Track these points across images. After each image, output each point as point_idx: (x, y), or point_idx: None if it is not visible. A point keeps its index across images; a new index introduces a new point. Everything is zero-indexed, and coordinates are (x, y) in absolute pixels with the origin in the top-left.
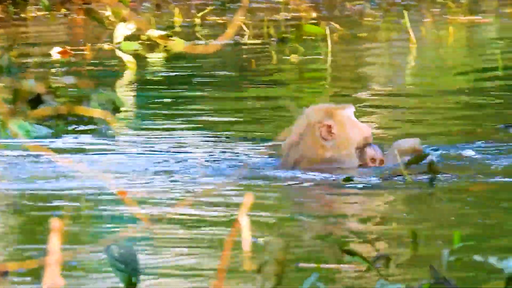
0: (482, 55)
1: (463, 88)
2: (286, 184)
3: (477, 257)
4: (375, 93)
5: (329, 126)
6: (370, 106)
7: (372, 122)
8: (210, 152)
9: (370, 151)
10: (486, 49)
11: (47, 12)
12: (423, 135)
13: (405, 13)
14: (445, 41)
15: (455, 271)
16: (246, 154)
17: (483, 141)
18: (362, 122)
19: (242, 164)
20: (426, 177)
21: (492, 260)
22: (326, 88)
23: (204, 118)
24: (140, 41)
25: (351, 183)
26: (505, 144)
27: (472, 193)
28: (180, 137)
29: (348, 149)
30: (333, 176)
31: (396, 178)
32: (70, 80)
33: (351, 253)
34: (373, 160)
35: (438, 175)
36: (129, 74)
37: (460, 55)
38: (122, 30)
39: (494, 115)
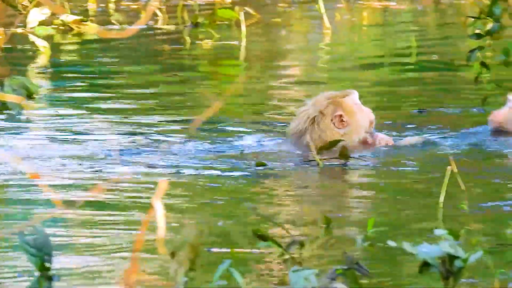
0: (395, 40)
1: (377, 74)
2: (198, 171)
3: (391, 243)
4: (287, 81)
5: (340, 116)
6: (284, 94)
7: (286, 109)
8: (125, 137)
9: (380, 135)
10: (399, 34)
11: None
12: None
13: None
14: (359, 26)
15: (369, 257)
16: (162, 139)
17: (398, 126)
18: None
19: (160, 150)
20: (339, 162)
21: (406, 245)
22: (240, 74)
23: (118, 103)
24: (54, 26)
25: (264, 167)
26: (416, 128)
27: (384, 179)
28: (93, 122)
29: (359, 134)
30: (249, 160)
31: (309, 163)
32: None
33: (264, 238)
34: (380, 141)
35: (349, 161)
36: (43, 59)
37: (374, 40)
38: (36, 15)
39: (407, 100)
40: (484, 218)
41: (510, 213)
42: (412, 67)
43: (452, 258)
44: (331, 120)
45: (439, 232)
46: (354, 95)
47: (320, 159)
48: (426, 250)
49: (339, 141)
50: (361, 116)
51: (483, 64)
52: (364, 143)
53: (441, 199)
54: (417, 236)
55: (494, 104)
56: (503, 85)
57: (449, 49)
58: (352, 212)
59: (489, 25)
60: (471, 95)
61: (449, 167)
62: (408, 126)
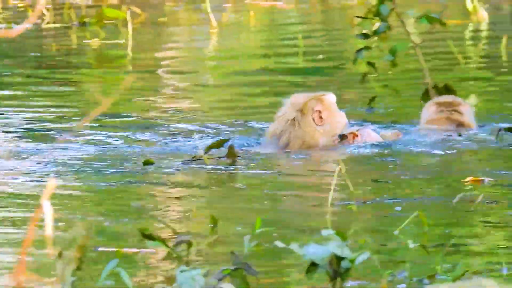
0: (282, 40)
1: (263, 72)
2: (85, 170)
3: (279, 243)
4: (174, 82)
5: (319, 112)
6: (171, 94)
7: (175, 109)
8: (15, 135)
9: (367, 131)
10: (287, 33)
11: None
12: (224, 124)
13: None
14: (246, 26)
15: (256, 257)
16: (50, 137)
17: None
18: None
19: (47, 148)
20: (227, 161)
21: (293, 246)
22: (127, 73)
23: (6, 104)
24: None
25: (151, 166)
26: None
27: (273, 178)
28: None
29: (333, 134)
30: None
31: (196, 162)
32: None
33: (152, 237)
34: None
35: (237, 160)
36: None
37: (261, 40)
38: None
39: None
40: (372, 218)
41: (399, 214)
42: (298, 67)
43: (339, 258)
44: (311, 116)
45: (326, 232)
46: (332, 96)
47: (208, 158)
48: (314, 251)
49: (226, 140)
50: (338, 116)
51: (369, 64)
52: (342, 140)
53: (329, 199)
54: (306, 236)
55: (380, 104)
56: (389, 86)
57: (336, 49)
58: (240, 211)
59: (376, 25)
60: (358, 95)
61: (338, 167)
62: None
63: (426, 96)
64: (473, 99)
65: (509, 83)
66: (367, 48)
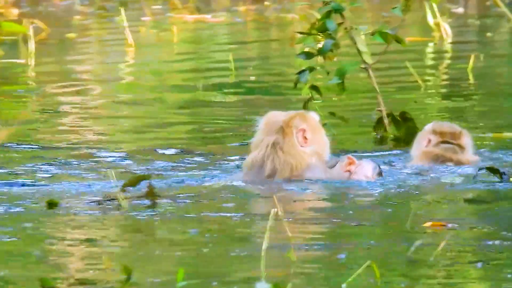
0: (210, 56)
1: (189, 97)
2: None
3: None
4: (83, 102)
5: (304, 131)
6: (82, 116)
7: (82, 130)
8: None
9: (363, 165)
10: (215, 52)
11: None
12: (142, 147)
13: (121, 10)
14: (168, 42)
15: None
16: None
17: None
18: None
19: None
20: (146, 202)
21: None
22: (28, 96)
23: None
24: None
25: (59, 208)
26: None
27: (201, 223)
28: None
29: (323, 155)
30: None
31: (110, 202)
32: None
33: None
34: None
35: (157, 200)
36: None
37: (186, 59)
38: None
39: (227, 130)
40: (316, 267)
41: (345, 261)
42: (230, 90)
43: None
44: (296, 133)
45: (261, 286)
46: (314, 114)
47: (124, 199)
48: None
49: (146, 176)
50: (323, 136)
51: (313, 88)
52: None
53: (264, 246)
54: (242, 284)
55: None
56: (336, 113)
57: (274, 70)
58: (158, 260)
59: (321, 43)
60: None
61: (273, 209)
62: (231, 158)
63: (379, 126)
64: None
65: (478, 112)
66: (310, 69)
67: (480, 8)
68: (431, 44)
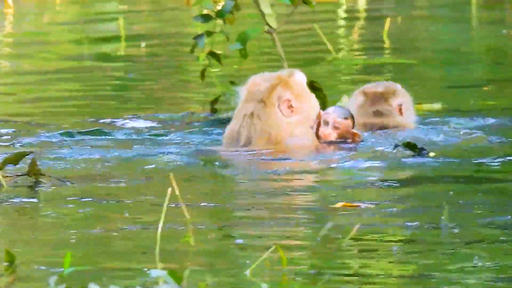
0: (97, 24)
1: (71, 65)
2: None
3: (93, 286)
4: None
5: (289, 101)
6: None
7: None
8: None
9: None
10: (103, 14)
11: None
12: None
13: None
14: (51, 4)
15: None
16: None
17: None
18: None
19: None
20: (28, 179)
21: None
22: None
23: None
24: None
25: None
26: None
27: (81, 203)
28: None
29: (309, 124)
30: None
31: None
32: None
33: None
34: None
35: (41, 178)
36: None
37: (69, 23)
38: None
39: (107, 104)
40: (214, 254)
41: (244, 247)
42: (117, 64)
43: None
44: (278, 106)
45: (156, 273)
46: (300, 75)
47: (4, 177)
48: None
49: (28, 153)
50: (310, 100)
51: (211, 55)
52: (341, 137)
53: (159, 230)
54: (129, 277)
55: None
56: (237, 83)
57: (168, 34)
58: (44, 245)
59: (221, 4)
60: (197, 94)
61: (169, 189)
62: (123, 130)
63: None
64: (344, 100)
65: (395, 81)
66: (208, 33)
67: None
68: (343, 5)
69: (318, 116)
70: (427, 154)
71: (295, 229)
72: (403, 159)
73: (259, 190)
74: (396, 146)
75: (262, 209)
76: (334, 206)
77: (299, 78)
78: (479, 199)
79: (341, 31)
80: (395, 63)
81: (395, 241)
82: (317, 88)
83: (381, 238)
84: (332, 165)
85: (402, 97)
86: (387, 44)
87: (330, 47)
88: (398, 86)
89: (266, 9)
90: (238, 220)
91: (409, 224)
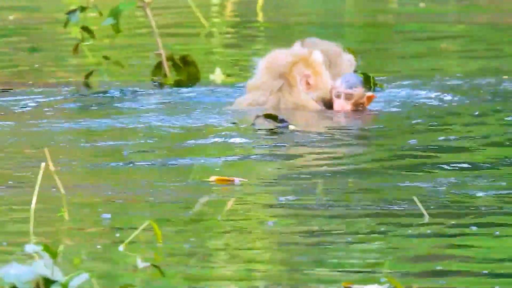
0: None
1: None
2: None
3: None
4: None
5: (308, 76)
6: None
7: None
8: None
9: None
10: None
11: None
12: None
13: None
14: None
15: None
16: None
17: None
18: None
19: None
20: None
21: None
22: None
23: None
24: None
25: None
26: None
27: None
28: None
29: (322, 99)
30: None
31: None
32: None
33: None
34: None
35: None
36: None
37: None
38: None
39: None
40: (89, 229)
41: (118, 223)
42: None
43: (48, 282)
44: (300, 80)
45: (31, 248)
46: (318, 54)
47: None
48: (16, 272)
49: None
50: (327, 79)
51: (84, 29)
52: (357, 104)
53: (33, 203)
54: (4, 253)
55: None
56: (111, 57)
57: (33, 7)
58: None
59: None
60: (71, 68)
61: (43, 164)
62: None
63: (158, 71)
64: (217, 74)
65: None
66: (81, 8)
67: None
68: None
69: (330, 91)
70: (287, 125)
71: (170, 205)
72: (264, 132)
73: (138, 167)
74: (257, 116)
75: (138, 187)
76: (208, 179)
77: (318, 57)
78: (343, 173)
79: (215, 7)
80: (268, 36)
81: (269, 216)
82: (190, 62)
83: (255, 214)
84: (206, 142)
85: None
86: (260, 18)
87: (203, 21)
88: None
89: None
90: (114, 196)
91: (282, 198)
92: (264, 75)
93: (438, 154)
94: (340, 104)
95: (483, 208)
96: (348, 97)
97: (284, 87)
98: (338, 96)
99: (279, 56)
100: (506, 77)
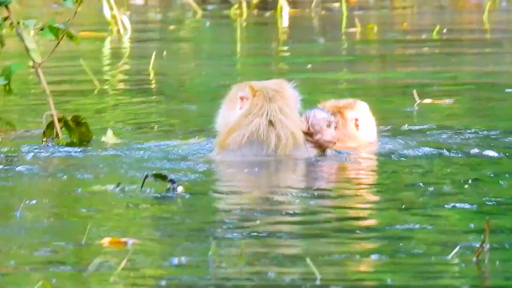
0: None
1: None
2: None
3: None
4: None
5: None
6: None
7: None
8: None
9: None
10: None
11: None
12: None
13: None
14: None
15: None
16: None
17: None
18: None
19: None
20: None
21: None
22: None
23: None
24: None
25: None
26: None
27: None
28: None
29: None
30: None
31: None
32: None
33: None
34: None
35: None
36: None
37: None
38: None
39: None
40: None
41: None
42: None
43: None
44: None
45: None
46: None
47: None
48: None
49: None
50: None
51: None
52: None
53: None
54: None
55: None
56: (2, 118)
57: None
58: None
59: None
60: None
61: None
62: None
63: (49, 131)
64: (109, 133)
65: (156, 114)
66: None
67: None
68: (108, 40)
69: (309, 126)
70: (177, 187)
71: (63, 264)
72: (157, 192)
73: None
74: (146, 176)
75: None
76: (101, 242)
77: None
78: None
79: (106, 65)
80: (160, 93)
81: (160, 277)
82: (81, 122)
83: (147, 274)
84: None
85: (359, 112)
86: (152, 78)
87: (95, 82)
88: (358, 102)
89: (30, 44)
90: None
91: (175, 259)
92: (250, 106)
93: None
94: (333, 134)
95: None
96: (335, 126)
97: (279, 109)
98: (328, 126)
99: (258, 85)
100: None
